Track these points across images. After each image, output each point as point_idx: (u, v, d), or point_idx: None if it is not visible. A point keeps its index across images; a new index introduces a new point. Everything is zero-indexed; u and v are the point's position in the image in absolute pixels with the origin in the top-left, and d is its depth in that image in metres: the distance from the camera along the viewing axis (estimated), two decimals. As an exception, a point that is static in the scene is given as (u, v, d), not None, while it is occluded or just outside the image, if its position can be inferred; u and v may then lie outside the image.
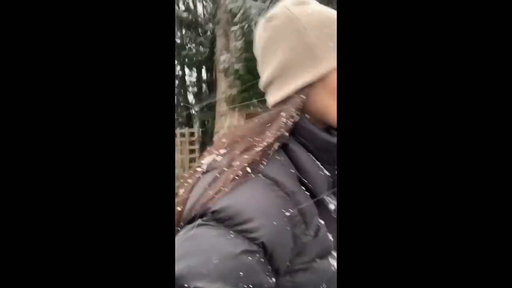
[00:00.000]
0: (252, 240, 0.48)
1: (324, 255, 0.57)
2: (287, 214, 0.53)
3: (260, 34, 0.64)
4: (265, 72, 0.63)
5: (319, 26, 0.59)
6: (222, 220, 0.48)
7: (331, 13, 0.61)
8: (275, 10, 0.63)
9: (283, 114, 0.59)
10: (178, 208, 0.56)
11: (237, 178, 0.53)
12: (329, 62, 0.58)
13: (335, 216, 0.62)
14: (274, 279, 0.50)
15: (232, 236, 0.47)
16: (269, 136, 0.58)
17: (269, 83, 0.63)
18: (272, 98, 0.62)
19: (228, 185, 0.52)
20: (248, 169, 0.54)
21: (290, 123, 0.59)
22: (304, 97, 0.59)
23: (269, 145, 0.57)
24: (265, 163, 0.57)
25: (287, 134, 0.59)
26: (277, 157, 0.59)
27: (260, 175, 0.55)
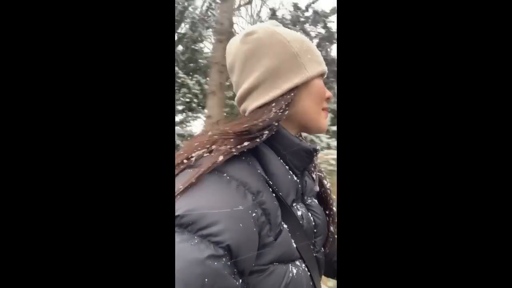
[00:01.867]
0: (217, 244, 0.47)
1: (284, 260, 0.56)
2: (253, 215, 0.52)
3: (238, 47, 0.67)
4: (247, 79, 0.65)
5: (298, 41, 0.65)
6: (185, 225, 0.47)
7: (301, 34, 0.68)
8: (254, 27, 0.67)
9: (273, 104, 0.61)
10: None
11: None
12: (312, 69, 0.64)
13: (301, 222, 0.62)
14: (240, 280, 0.49)
15: (196, 241, 0.46)
16: (260, 122, 0.58)
17: (253, 89, 0.64)
18: (256, 102, 0.63)
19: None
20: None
21: (279, 114, 0.60)
22: (293, 95, 0.62)
23: (259, 130, 0.58)
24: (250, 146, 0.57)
25: (276, 124, 0.60)
26: (243, 158, 0.59)
27: (225, 175, 0.54)
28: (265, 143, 0.61)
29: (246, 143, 0.57)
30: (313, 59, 0.65)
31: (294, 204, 0.63)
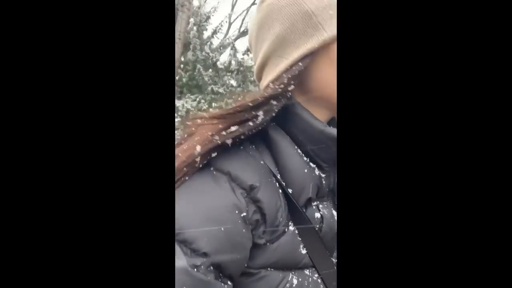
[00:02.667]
0: (193, 251, 0.42)
1: (281, 267, 0.48)
2: (243, 214, 0.45)
3: (253, 19, 0.57)
4: (260, 53, 0.54)
5: None
6: None
7: None
8: None
9: (272, 82, 0.50)
10: None
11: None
12: (332, 29, 0.51)
13: (319, 226, 0.52)
14: (230, 283, 0.44)
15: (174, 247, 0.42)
16: (250, 102, 0.47)
17: (265, 63, 0.54)
18: (267, 80, 0.53)
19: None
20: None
21: (279, 90, 0.49)
22: (302, 64, 0.50)
23: (248, 110, 0.47)
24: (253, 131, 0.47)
25: (275, 102, 0.49)
26: (242, 147, 0.50)
27: (212, 168, 0.46)
28: (278, 127, 0.52)
29: (233, 128, 0.47)
30: (336, 15, 0.51)
31: (314, 203, 0.53)
